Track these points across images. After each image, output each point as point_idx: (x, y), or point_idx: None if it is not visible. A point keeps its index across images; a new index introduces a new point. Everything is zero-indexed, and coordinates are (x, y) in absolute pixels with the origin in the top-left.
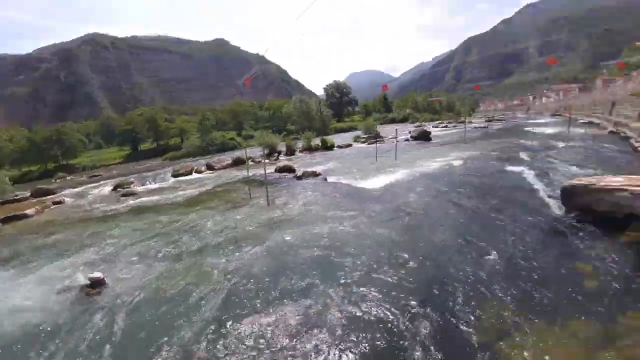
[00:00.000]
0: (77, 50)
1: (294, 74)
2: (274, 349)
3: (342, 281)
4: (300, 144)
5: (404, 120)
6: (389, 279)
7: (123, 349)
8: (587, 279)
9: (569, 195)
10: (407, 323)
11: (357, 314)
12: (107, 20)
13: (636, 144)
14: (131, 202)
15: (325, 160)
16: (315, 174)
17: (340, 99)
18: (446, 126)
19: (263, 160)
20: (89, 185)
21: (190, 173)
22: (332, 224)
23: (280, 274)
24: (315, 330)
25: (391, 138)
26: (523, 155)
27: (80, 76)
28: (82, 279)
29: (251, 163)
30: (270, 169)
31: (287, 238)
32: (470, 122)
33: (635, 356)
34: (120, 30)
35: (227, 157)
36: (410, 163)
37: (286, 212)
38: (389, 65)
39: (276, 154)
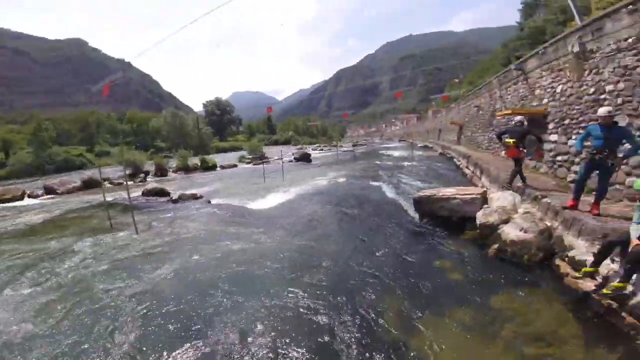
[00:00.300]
0: None
1: (168, 86)
2: None
3: (246, 299)
4: (174, 164)
5: (286, 142)
6: (299, 286)
7: None
8: (451, 272)
9: (418, 204)
10: (328, 322)
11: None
12: None
13: (458, 163)
14: None
15: (208, 182)
16: (195, 197)
17: (221, 117)
18: (322, 149)
19: (125, 182)
20: None
21: (20, 198)
22: (223, 245)
23: (177, 302)
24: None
25: (277, 159)
26: (382, 173)
27: None
28: None
29: (108, 185)
30: (137, 192)
31: (167, 267)
32: (341, 146)
33: (512, 334)
34: None
35: (74, 179)
36: (296, 182)
37: (162, 239)
38: (272, 89)
39: (142, 175)
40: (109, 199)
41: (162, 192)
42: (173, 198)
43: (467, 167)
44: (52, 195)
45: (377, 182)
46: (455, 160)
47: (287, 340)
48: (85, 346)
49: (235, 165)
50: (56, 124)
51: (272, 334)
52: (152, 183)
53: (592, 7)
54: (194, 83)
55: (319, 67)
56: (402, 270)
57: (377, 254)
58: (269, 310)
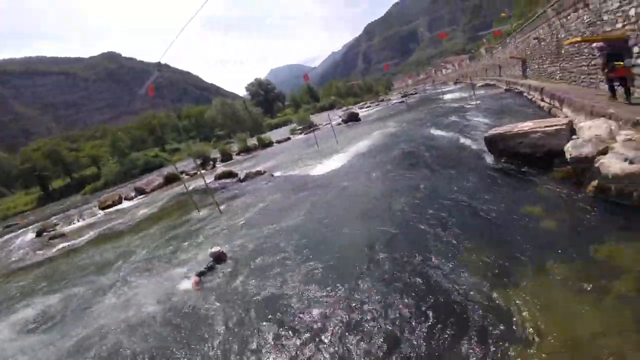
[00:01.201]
0: None
1: (210, 79)
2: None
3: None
4: (235, 147)
5: (331, 107)
6: (375, 246)
7: None
8: (543, 219)
9: (492, 143)
10: (412, 283)
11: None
12: None
13: (529, 97)
14: (64, 244)
15: (267, 158)
16: (260, 173)
17: (265, 96)
18: (369, 106)
19: (199, 171)
20: (8, 236)
21: (119, 202)
22: (294, 214)
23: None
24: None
25: (326, 124)
26: (444, 118)
27: None
28: None
29: (186, 177)
30: (209, 178)
31: (252, 234)
32: (390, 100)
33: (625, 291)
34: None
35: (156, 177)
36: (350, 142)
37: (241, 214)
38: (306, 58)
39: (211, 163)
40: (189, 188)
41: (230, 174)
42: (241, 177)
43: (542, 100)
44: (143, 195)
45: (439, 128)
46: (525, 94)
47: (379, 297)
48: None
49: (288, 138)
50: (127, 132)
51: (361, 294)
52: (220, 168)
53: None
54: (231, 70)
55: (345, 28)
56: (485, 222)
57: (452, 206)
58: (351, 272)
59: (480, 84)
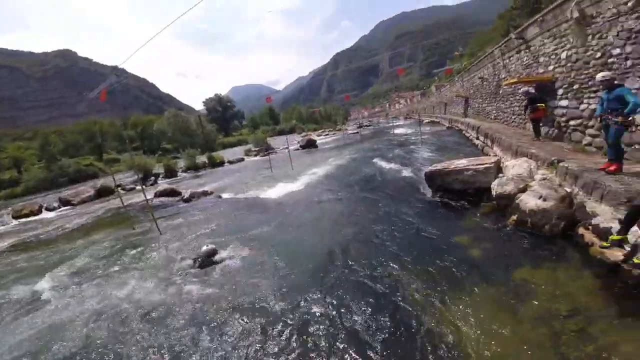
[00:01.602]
0: None
1: (166, 88)
2: None
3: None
4: (182, 164)
5: (291, 131)
6: (316, 269)
7: None
8: (470, 247)
9: (430, 179)
10: (349, 305)
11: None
12: None
13: (467, 135)
14: None
15: (217, 178)
16: (206, 193)
17: (223, 113)
18: (327, 134)
19: (142, 186)
20: None
21: (39, 212)
22: (240, 236)
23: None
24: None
25: (283, 148)
26: (390, 152)
27: None
28: None
29: (121, 191)
30: (149, 195)
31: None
32: (346, 130)
33: (539, 310)
34: None
35: (88, 188)
36: (305, 169)
37: (182, 235)
38: (271, 79)
39: (153, 178)
40: (126, 203)
41: (173, 192)
42: (185, 197)
43: (477, 138)
44: (69, 207)
45: (385, 161)
46: (464, 132)
47: (308, 317)
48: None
49: (242, 159)
50: (62, 136)
51: (297, 312)
52: (163, 185)
53: None
54: (192, 83)
55: (316, 54)
56: (421, 249)
57: (394, 233)
58: (288, 293)
59: (427, 120)
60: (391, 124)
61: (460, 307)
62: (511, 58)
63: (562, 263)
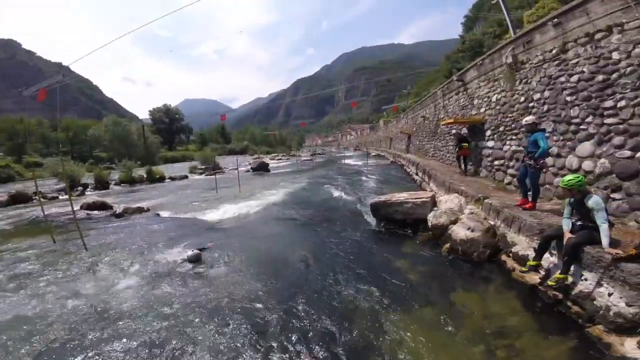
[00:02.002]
0: None
1: (111, 92)
2: None
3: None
4: (116, 176)
5: (242, 152)
6: (260, 296)
7: None
8: (410, 272)
9: (375, 209)
10: (294, 327)
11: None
12: None
13: (408, 170)
14: None
15: (155, 195)
16: (142, 210)
17: (170, 125)
18: (280, 158)
19: (69, 195)
20: None
21: None
22: (180, 258)
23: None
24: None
25: (232, 169)
26: (340, 181)
27: None
28: None
29: (42, 200)
30: (75, 206)
31: (123, 281)
32: (300, 156)
33: (472, 329)
34: None
35: (0, 192)
36: (254, 193)
37: (112, 253)
38: (227, 96)
39: (80, 188)
40: (46, 213)
41: (103, 206)
42: (117, 212)
43: (416, 174)
44: None
45: (335, 190)
46: (405, 167)
47: (247, 343)
48: None
49: (185, 177)
50: None
51: (229, 340)
52: (92, 196)
53: (525, 21)
54: (140, 89)
55: (278, 76)
56: (365, 274)
57: (339, 260)
58: (227, 320)
59: (374, 153)
60: (342, 154)
61: (401, 326)
62: (450, 99)
63: (490, 286)
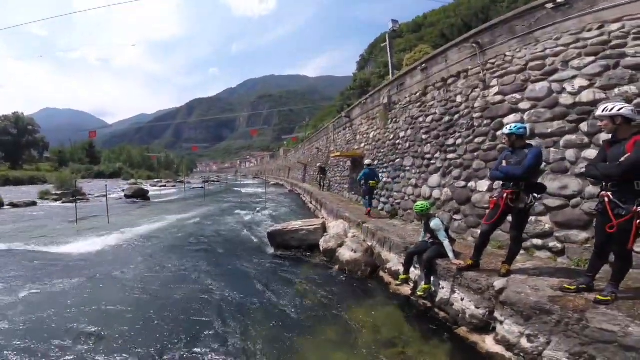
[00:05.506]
0: None
1: None
2: None
3: None
4: None
5: (114, 175)
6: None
7: None
8: (307, 294)
9: (272, 237)
10: None
11: None
12: None
13: (304, 199)
14: None
15: None
16: None
17: (17, 138)
18: (165, 185)
19: None
20: None
21: None
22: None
23: None
24: None
25: (99, 196)
26: (236, 211)
27: None
28: None
29: None
30: None
31: None
32: (190, 183)
33: (367, 341)
34: None
35: None
36: (127, 224)
37: None
38: (102, 109)
39: None
40: None
41: None
42: None
43: (311, 202)
44: None
45: (230, 220)
46: (302, 196)
47: None
48: None
49: (34, 203)
50: None
51: None
52: None
53: (404, 64)
54: None
55: (169, 93)
56: (265, 300)
57: (238, 288)
58: None
59: (273, 182)
60: (241, 182)
61: (305, 347)
62: (339, 133)
63: (374, 299)
